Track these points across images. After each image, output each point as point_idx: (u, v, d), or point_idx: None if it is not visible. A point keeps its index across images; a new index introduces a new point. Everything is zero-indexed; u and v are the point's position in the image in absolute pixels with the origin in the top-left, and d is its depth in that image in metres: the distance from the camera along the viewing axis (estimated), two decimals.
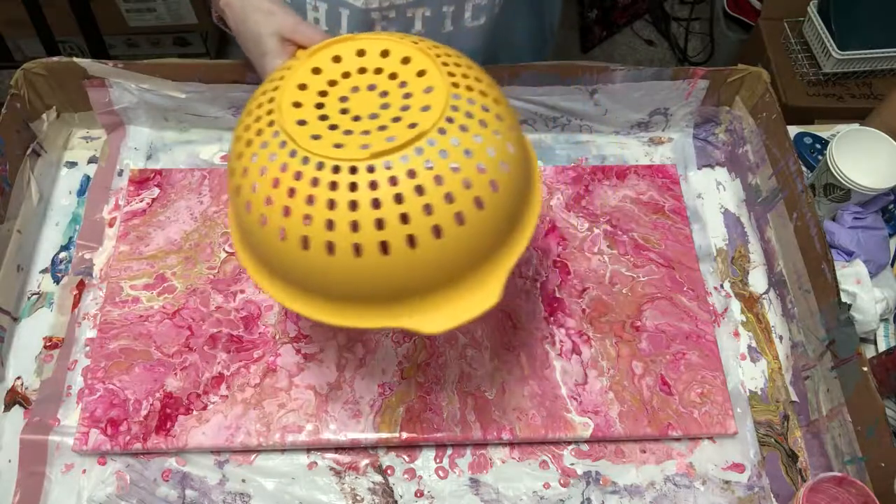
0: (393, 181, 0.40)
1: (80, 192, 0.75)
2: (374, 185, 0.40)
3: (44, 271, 0.70)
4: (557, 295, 0.68)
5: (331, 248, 0.41)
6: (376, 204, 0.40)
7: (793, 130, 0.81)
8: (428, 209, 0.40)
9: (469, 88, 0.44)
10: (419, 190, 0.40)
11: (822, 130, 0.83)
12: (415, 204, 0.40)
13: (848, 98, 1.30)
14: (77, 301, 0.68)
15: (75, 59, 0.71)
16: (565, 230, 0.72)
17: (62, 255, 0.71)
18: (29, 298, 0.68)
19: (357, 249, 0.40)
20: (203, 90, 0.74)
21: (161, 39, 1.70)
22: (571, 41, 1.94)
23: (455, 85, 0.44)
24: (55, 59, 0.72)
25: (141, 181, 0.74)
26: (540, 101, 0.76)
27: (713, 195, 0.78)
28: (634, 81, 0.75)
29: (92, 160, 0.78)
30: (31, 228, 0.71)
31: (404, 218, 0.40)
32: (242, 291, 0.67)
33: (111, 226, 0.72)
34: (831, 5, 1.25)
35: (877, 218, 0.74)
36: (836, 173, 0.71)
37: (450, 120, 0.42)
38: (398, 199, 0.40)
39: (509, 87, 0.74)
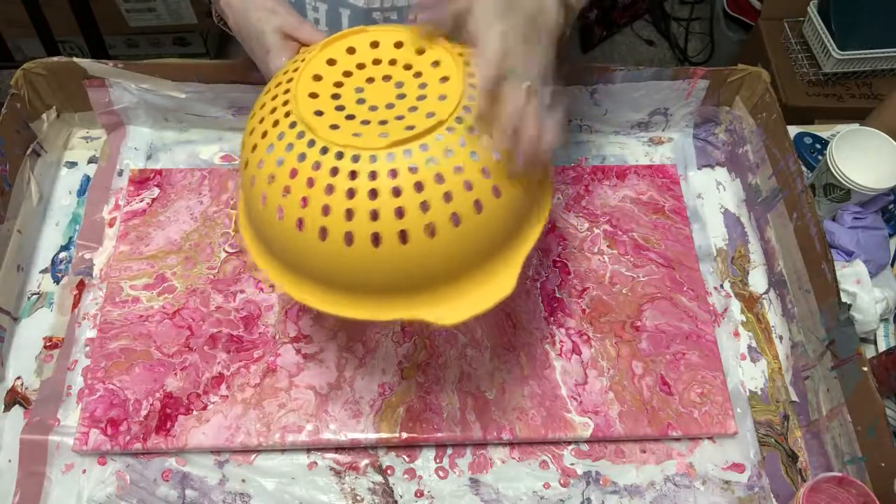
0: (413, 169, 0.40)
1: (80, 192, 0.75)
2: (393, 174, 0.40)
3: (44, 271, 0.70)
4: (557, 295, 0.68)
5: (350, 238, 0.40)
6: (396, 192, 0.40)
7: (793, 130, 0.81)
8: (447, 197, 0.40)
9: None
10: (439, 178, 0.40)
11: (822, 130, 0.83)
12: (434, 192, 0.40)
13: (848, 98, 1.30)
14: (77, 301, 0.68)
15: (75, 59, 0.71)
16: (565, 230, 0.72)
17: (62, 255, 0.71)
18: (29, 298, 0.68)
19: (376, 239, 0.40)
20: (203, 90, 0.74)
21: (161, 39, 1.70)
22: (571, 41, 1.94)
23: (471, 74, 0.44)
24: (55, 59, 0.72)
25: (141, 181, 0.74)
26: None
27: (713, 195, 0.78)
28: (634, 81, 0.75)
29: (92, 160, 0.78)
30: (31, 228, 0.71)
31: (424, 206, 0.40)
32: (242, 291, 0.67)
33: (111, 226, 0.72)
34: (831, 5, 1.25)
35: (877, 218, 0.74)
36: (836, 173, 0.71)
37: (467, 109, 0.42)
38: (418, 187, 0.40)
39: None
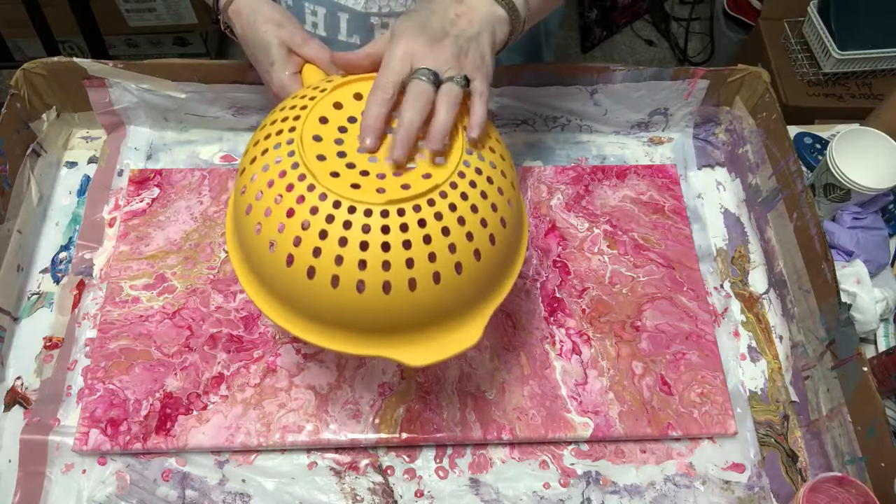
0: (404, 228, 0.42)
1: (80, 192, 0.75)
2: (385, 230, 0.42)
3: (44, 271, 0.70)
4: (557, 295, 0.68)
5: (335, 281, 0.43)
6: (385, 247, 0.42)
7: (793, 130, 0.81)
8: (432, 257, 0.43)
9: (480, 144, 0.47)
10: (426, 239, 0.42)
11: (822, 130, 0.83)
12: (420, 251, 0.42)
13: (848, 98, 1.30)
14: (77, 301, 0.68)
15: (75, 59, 0.71)
16: (565, 230, 0.72)
17: (62, 255, 0.71)
18: (29, 298, 0.68)
19: (361, 286, 0.43)
20: (203, 90, 0.74)
21: (161, 39, 1.70)
22: (571, 41, 1.94)
23: (471, 141, 0.46)
24: (55, 59, 0.72)
25: (141, 181, 0.74)
26: (540, 101, 0.76)
27: (713, 195, 0.78)
28: (634, 81, 0.75)
29: (92, 160, 0.78)
30: (31, 228, 0.71)
31: (409, 263, 0.42)
32: (242, 291, 0.67)
33: (111, 226, 0.72)
34: (831, 5, 1.25)
35: (876, 218, 0.74)
36: (836, 173, 0.71)
37: (461, 175, 0.45)
38: (406, 245, 0.42)
39: (509, 87, 0.74)
